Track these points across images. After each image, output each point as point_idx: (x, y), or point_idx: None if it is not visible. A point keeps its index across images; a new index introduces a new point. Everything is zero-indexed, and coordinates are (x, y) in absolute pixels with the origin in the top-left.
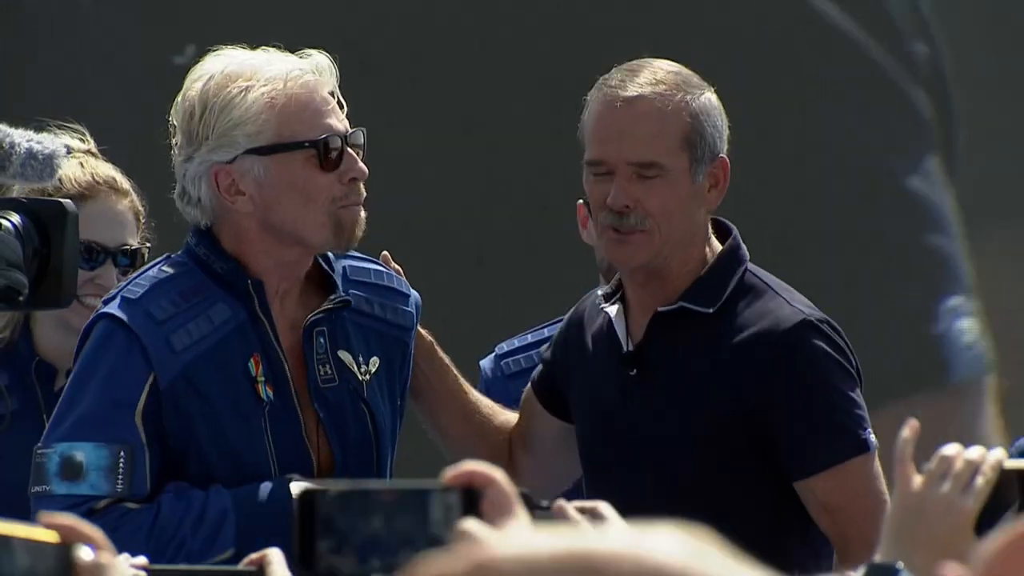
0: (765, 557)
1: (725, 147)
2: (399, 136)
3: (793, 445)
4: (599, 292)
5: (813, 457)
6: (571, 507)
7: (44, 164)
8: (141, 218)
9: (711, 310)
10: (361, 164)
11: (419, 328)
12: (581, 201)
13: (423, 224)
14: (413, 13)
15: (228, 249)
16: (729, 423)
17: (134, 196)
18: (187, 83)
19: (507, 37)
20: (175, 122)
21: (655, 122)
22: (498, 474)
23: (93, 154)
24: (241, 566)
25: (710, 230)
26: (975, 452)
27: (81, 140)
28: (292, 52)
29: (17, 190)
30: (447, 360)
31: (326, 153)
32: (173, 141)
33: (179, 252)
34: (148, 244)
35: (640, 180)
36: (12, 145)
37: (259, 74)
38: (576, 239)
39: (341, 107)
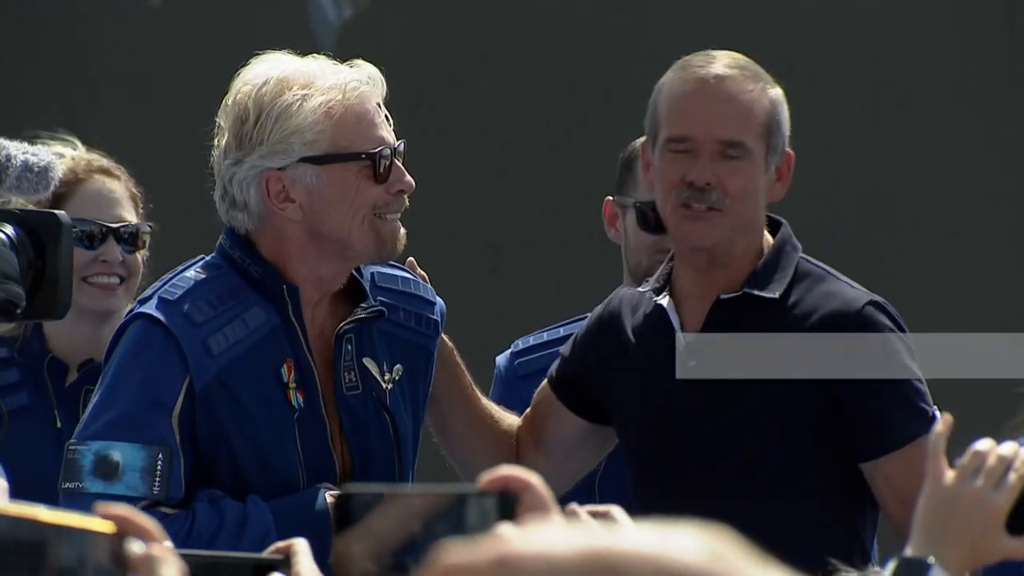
0: (833, 537)
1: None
2: (415, 133)
3: (869, 424)
4: (639, 290)
5: (891, 435)
6: (583, 511)
7: (40, 177)
8: (139, 202)
9: (776, 295)
10: (409, 177)
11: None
12: (610, 198)
13: (441, 221)
14: (427, 13)
15: (266, 255)
16: (803, 405)
17: (128, 180)
18: (236, 86)
19: (522, 34)
20: (223, 124)
21: (744, 103)
22: (534, 478)
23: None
24: (266, 554)
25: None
26: (1008, 448)
27: (73, 149)
28: (339, 60)
29: (15, 202)
30: (463, 365)
31: (379, 165)
32: (216, 142)
33: (212, 254)
34: (149, 226)
35: (723, 159)
36: (8, 158)
37: (316, 82)
38: (599, 237)
39: (388, 119)
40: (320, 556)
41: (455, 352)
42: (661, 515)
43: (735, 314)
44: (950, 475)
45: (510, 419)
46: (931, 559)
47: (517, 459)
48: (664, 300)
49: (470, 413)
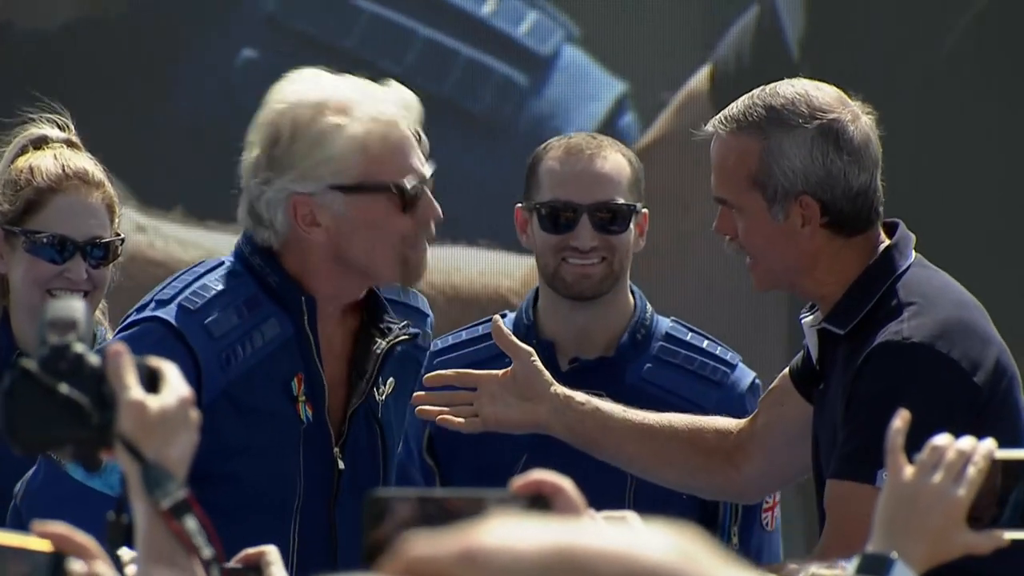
0: None
1: (822, 185)
2: None
3: (837, 447)
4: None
5: (835, 461)
6: (600, 516)
7: None
8: (116, 210)
9: (842, 332)
10: (437, 207)
11: (555, 385)
12: (519, 205)
13: None
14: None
15: (289, 268)
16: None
17: (108, 188)
18: (272, 102)
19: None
20: (255, 139)
21: (722, 160)
22: (566, 483)
23: (73, 143)
24: (234, 562)
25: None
26: (966, 442)
27: (62, 129)
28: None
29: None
30: (586, 399)
31: (408, 196)
32: (246, 155)
33: (231, 259)
34: (122, 236)
35: (729, 213)
36: None
37: (353, 110)
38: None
39: (419, 141)
40: None
41: (569, 394)
42: None
43: (828, 346)
44: (909, 471)
45: (686, 419)
46: (894, 554)
47: (729, 453)
48: (806, 320)
49: (638, 436)
